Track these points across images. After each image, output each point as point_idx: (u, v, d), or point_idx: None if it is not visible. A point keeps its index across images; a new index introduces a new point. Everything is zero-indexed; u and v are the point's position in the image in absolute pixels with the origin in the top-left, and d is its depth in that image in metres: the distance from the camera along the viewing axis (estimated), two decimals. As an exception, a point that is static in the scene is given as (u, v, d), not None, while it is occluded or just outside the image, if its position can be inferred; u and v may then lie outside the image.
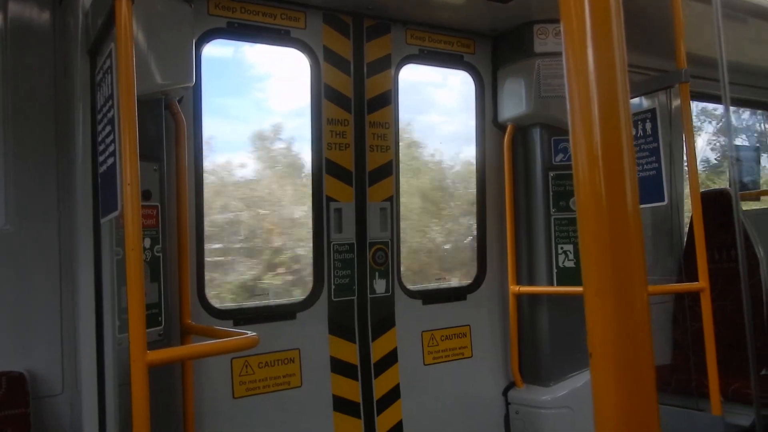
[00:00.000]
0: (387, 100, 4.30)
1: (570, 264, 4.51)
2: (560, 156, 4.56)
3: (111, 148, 2.56)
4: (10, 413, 2.84)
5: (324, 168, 4.07)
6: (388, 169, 4.30)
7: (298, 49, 4.05)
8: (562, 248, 4.52)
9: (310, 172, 4.13)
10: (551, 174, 4.55)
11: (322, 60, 4.07)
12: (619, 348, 0.87)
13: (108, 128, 2.61)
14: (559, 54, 4.44)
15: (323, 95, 4.08)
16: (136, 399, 2.22)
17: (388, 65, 4.32)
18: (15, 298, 3.03)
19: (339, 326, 4.08)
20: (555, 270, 4.52)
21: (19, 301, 3.03)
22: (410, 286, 4.45)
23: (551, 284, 4.51)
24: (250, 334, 2.75)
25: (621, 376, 0.86)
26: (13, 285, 3.03)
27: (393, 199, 4.31)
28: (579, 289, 3.88)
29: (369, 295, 4.18)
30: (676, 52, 3.80)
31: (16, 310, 3.02)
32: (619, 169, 0.88)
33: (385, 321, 4.24)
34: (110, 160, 2.58)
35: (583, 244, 0.92)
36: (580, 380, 4.44)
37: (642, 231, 0.90)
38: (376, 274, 4.21)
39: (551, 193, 4.54)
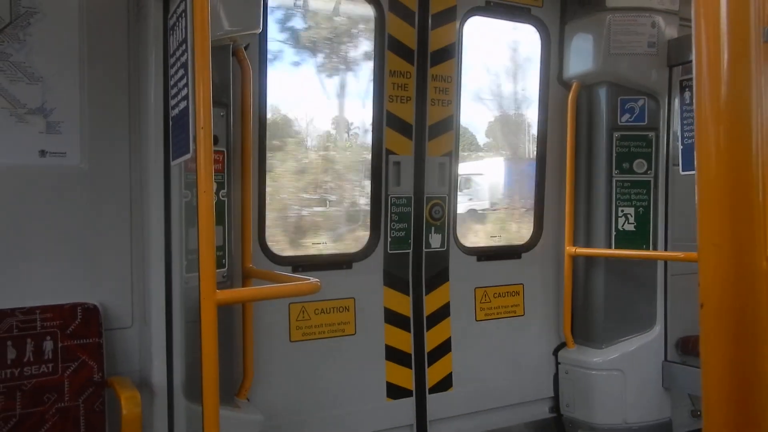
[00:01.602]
0: (451, 53, 4.23)
1: (630, 227, 4.42)
2: (626, 116, 4.42)
3: (183, 92, 2.60)
4: (85, 342, 2.99)
5: (384, 120, 4.06)
6: (449, 124, 4.26)
7: None
8: (622, 211, 4.43)
9: (371, 124, 4.12)
10: (616, 134, 4.43)
11: (387, 9, 4.01)
12: (732, 305, 0.85)
13: (181, 72, 2.65)
14: (632, 9, 4.28)
15: (387, 46, 4.03)
16: (205, 336, 2.32)
17: (454, 17, 4.23)
18: (89, 234, 3.15)
19: (394, 278, 4.13)
20: (614, 233, 4.44)
21: (92, 236, 3.16)
22: (465, 243, 4.46)
23: (609, 247, 4.44)
24: (313, 279, 2.80)
25: (731, 332, 0.85)
26: (88, 221, 3.15)
27: (452, 155, 4.28)
28: (638, 252, 3.82)
29: (424, 249, 4.20)
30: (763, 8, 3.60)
31: (90, 245, 3.16)
32: (745, 125, 0.85)
33: (439, 275, 4.27)
34: (182, 104, 2.63)
35: (701, 196, 0.89)
36: (633, 344, 4.41)
37: (762, 191, 0.88)
38: (432, 228, 4.22)
39: (615, 154, 4.43)
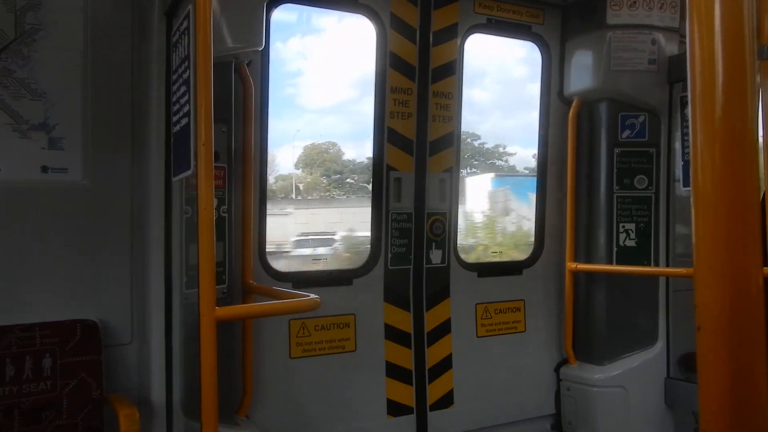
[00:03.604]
0: (452, 69, 4.25)
1: (631, 243, 4.42)
2: (627, 132, 4.44)
3: (185, 109, 2.61)
4: (84, 359, 2.98)
5: (386, 136, 4.07)
6: (450, 140, 4.27)
7: (365, 16, 4.02)
8: (623, 227, 4.43)
9: (372, 140, 4.13)
10: (617, 151, 4.44)
11: (389, 27, 4.04)
12: (729, 325, 0.85)
13: (183, 89, 2.67)
14: (632, 26, 4.30)
15: (388, 63, 4.05)
16: (204, 353, 2.30)
17: (455, 34, 4.26)
18: (90, 250, 3.15)
19: (394, 294, 4.12)
20: (615, 249, 4.44)
21: (93, 252, 3.16)
22: (466, 259, 4.45)
23: (610, 263, 4.44)
24: (313, 296, 2.79)
25: (729, 354, 0.85)
26: (88, 237, 3.15)
27: (453, 171, 4.29)
28: (640, 268, 3.79)
29: (425, 265, 4.20)
30: (760, 26, 3.61)
31: (90, 261, 3.15)
32: (740, 143, 0.85)
33: (440, 291, 4.26)
34: (184, 121, 2.64)
35: (697, 218, 0.89)
36: (636, 361, 4.40)
37: (759, 210, 0.87)
38: (433, 244, 4.22)
39: (615, 171, 4.44)
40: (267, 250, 3.77)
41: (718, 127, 0.86)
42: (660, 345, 4.45)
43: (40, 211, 3.06)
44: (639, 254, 4.41)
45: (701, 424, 0.89)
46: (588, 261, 4.53)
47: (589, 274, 4.54)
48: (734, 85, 0.85)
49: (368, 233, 4.17)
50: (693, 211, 0.89)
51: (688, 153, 4.32)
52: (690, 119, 0.90)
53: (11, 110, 3.01)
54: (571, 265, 4.49)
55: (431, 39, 4.16)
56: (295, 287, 3.76)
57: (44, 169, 3.09)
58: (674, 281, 4.47)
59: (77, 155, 3.15)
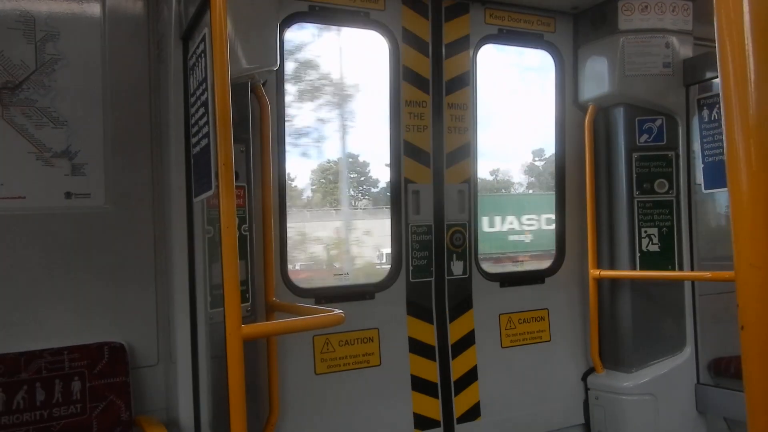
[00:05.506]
0: (465, 81, 4.27)
1: (654, 248, 4.37)
2: (645, 137, 4.40)
3: (204, 130, 2.64)
4: (112, 381, 3.01)
5: (402, 150, 4.08)
6: (466, 151, 4.27)
7: (377, 31, 4.05)
8: (645, 232, 4.39)
9: (388, 153, 4.15)
10: (635, 155, 4.41)
11: (401, 41, 4.07)
12: None
13: (201, 111, 2.70)
14: (645, 31, 4.29)
15: (401, 77, 4.08)
16: (231, 371, 2.31)
17: (467, 46, 4.27)
18: (114, 272, 3.19)
19: (417, 307, 4.11)
20: (638, 254, 4.39)
21: (117, 274, 3.20)
22: (488, 269, 4.43)
23: (634, 269, 4.39)
24: (337, 311, 2.79)
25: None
26: (112, 260, 3.20)
27: (470, 181, 4.28)
28: (665, 273, 3.73)
29: (447, 277, 4.18)
30: None
31: (115, 283, 3.19)
32: None
33: (462, 303, 4.24)
34: (203, 142, 2.67)
35: (735, 216, 0.88)
36: (665, 367, 4.33)
37: None
38: (454, 255, 4.21)
39: (635, 176, 4.40)
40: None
41: (753, 126, 0.85)
42: (689, 350, 4.39)
43: (65, 236, 3.11)
44: (663, 259, 4.36)
45: (749, 426, 0.88)
46: (611, 267, 4.49)
47: (613, 281, 4.49)
48: (766, 84, 0.84)
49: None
50: (731, 209, 0.88)
51: (708, 155, 4.29)
52: (723, 120, 0.89)
53: (34, 139, 3.07)
54: (595, 272, 4.45)
55: (444, 51, 4.18)
56: (317, 303, 3.77)
57: (68, 195, 3.14)
58: (700, 285, 4.41)
59: (99, 180, 3.20)
